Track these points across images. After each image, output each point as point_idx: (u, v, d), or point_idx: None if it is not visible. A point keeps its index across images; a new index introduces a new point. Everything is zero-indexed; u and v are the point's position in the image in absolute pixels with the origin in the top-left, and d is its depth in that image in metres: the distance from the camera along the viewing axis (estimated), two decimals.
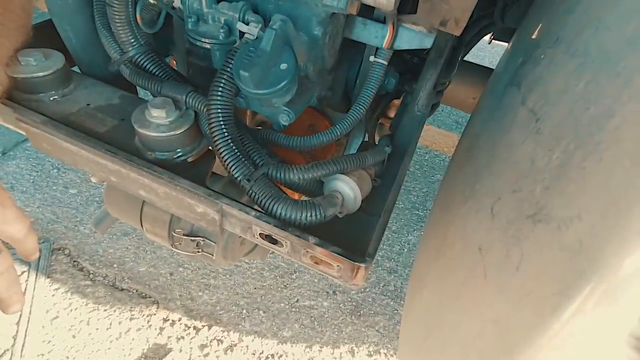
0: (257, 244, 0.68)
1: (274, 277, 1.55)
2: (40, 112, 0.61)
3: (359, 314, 1.49)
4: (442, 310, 0.57)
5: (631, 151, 0.29)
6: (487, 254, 0.46)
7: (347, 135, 0.95)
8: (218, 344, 1.34)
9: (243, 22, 0.57)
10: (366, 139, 0.90)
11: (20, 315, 1.30)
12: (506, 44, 0.91)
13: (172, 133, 0.57)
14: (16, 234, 0.57)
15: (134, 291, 1.43)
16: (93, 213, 1.63)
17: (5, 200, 0.55)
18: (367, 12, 0.61)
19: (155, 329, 1.35)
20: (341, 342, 1.40)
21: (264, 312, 1.45)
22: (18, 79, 0.63)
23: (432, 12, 0.53)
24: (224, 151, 0.55)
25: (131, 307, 1.39)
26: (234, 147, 0.55)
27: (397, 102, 0.94)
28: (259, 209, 0.54)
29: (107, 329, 1.32)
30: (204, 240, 0.73)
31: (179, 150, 0.59)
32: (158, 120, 0.57)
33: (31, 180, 1.72)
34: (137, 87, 0.72)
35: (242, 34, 0.57)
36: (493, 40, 1.32)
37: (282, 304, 1.48)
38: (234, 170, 0.55)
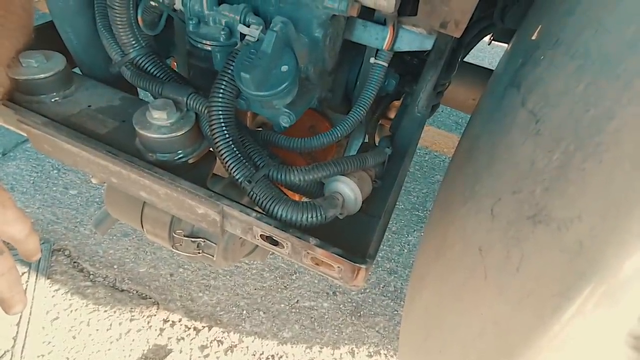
0: (257, 245, 0.69)
1: (274, 278, 1.55)
2: (42, 114, 0.61)
3: (359, 314, 1.49)
4: (442, 311, 0.58)
5: (631, 154, 0.30)
6: (487, 255, 0.46)
7: (348, 137, 0.95)
8: (218, 345, 1.34)
9: (244, 24, 0.57)
10: (366, 140, 0.90)
11: (21, 317, 1.30)
12: (505, 45, 0.91)
13: (173, 134, 0.57)
14: (17, 235, 0.57)
15: (134, 292, 1.43)
16: (93, 214, 1.63)
17: (5, 200, 0.55)
18: (368, 14, 0.62)
19: (156, 329, 1.35)
20: (341, 343, 1.40)
21: (264, 312, 1.45)
22: (19, 81, 0.63)
23: (432, 14, 0.53)
24: (225, 153, 0.55)
25: (131, 308, 1.39)
26: (235, 149, 0.55)
27: (397, 103, 0.94)
28: (260, 210, 0.54)
29: (107, 329, 1.32)
30: (204, 242, 0.74)
31: (179, 151, 0.59)
32: (159, 122, 0.57)
33: (31, 181, 1.72)
34: (138, 89, 0.72)
35: (243, 36, 0.57)
36: (493, 41, 1.33)
37: (282, 305, 1.48)
38: (235, 171, 0.55)
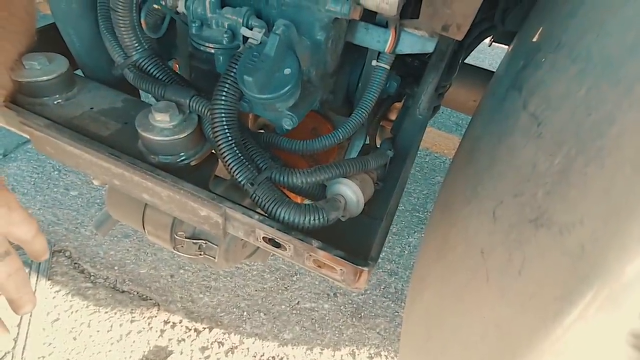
0: (258, 247, 0.69)
1: (274, 280, 1.55)
2: (44, 116, 0.61)
3: (359, 316, 1.49)
4: (444, 313, 0.58)
5: (632, 158, 0.30)
6: (489, 258, 0.46)
7: (349, 139, 0.95)
8: (219, 346, 1.34)
9: (247, 27, 0.58)
10: (368, 142, 0.91)
11: (21, 318, 1.30)
12: (506, 47, 0.92)
13: (175, 137, 0.58)
14: (24, 236, 0.58)
15: (135, 293, 1.43)
16: (94, 215, 1.64)
17: (11, 202, 0.55)
18: (370, 16, 0.62)
19: (156, 331, 1.35)
20: (342, 345, 1.40)
21: (264, 314, 1.45)
22: (22, 83, 0.63)
23: (434, 17, 0.53)
24: (227, 155, 0.55)
25: (132, 310, 1.39)
26: (237, 151, 0.55)
27: (398, 105, 0.94)
28: (262, 212, 0.54)
29: (108, 331, 1.32)
30: (206, 243, 0.74)
31: (182, 153, 0.59)
32: (161, 124, 0.58)
33: (32, 182, 1.72)
34: (140, 91, 0.72)
35: (245, 38, 0.58)
36: (493, 43, 1.33)
37: (283, 306, 1.48)
38: (237, 173, 0.55)
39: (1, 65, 0.59)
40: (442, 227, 0.66)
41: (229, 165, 0.55)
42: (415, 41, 0.63)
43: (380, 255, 0.55)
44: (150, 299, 1.43)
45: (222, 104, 0.55)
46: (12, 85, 0.63)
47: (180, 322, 1.38)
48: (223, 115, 0.55)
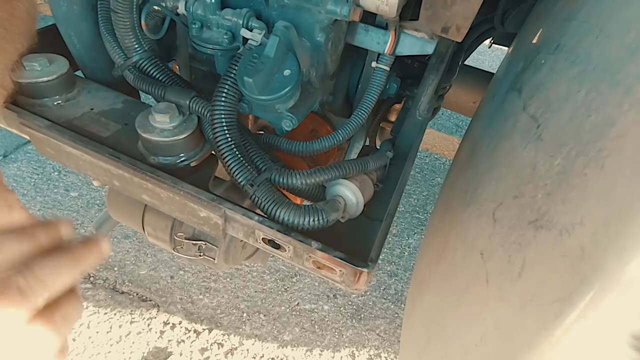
0: (258, 248, 0.69)
1: (274, 281, 1.55)
2: (44, 117, 0.62)
3: (359, 317, 1.49)
4: (444, 315, 0.58)
5: (632, 160, 0.30)
6: (489, 260, 0.46)
7: (349, 140, 0.95)
8: (218, 348, 1.34)
9: (247, 29, 0.58)
10: (367, 143, 0.91)
11: None
12: (506, 48, 0.92)
13: (175, 138, 0.58)
14: None
15: (135, 294, 1.43)
16: (94, 216, 1.63)
17: (13, 202, 0.55)
18: (370, 18, 0.62)
19: (156, 332, 1.34)
20: (342, 346, 1.40)
21: (264, 315, 1.44)
22: (22, 84, 0.63)
23: (433, 19, 0.54)
24: (227, 156, 0.55)
25: (131, 311, 1.39)
26: (237, 152, 0.55)
27: (398, 106, 0.94)
28: (262, 213, 0.54)
29: (107, 332, 1.32)
30: (205, 244, 0.74)
31: (182, 155, 0.60)
32: (161, 125, 0.58)
33: (32, 183, 1.72)
34: (140, 92, 0.72)
35: (245, 40, 0.58)
36: (493, 44, 1.33)
37: (282, 308, 1.48)
38: (237, 175, 0.55)
39: (2, 66, 0.59)
40: (442, 229, 0.66)
41: (228, 166, 0.55)
42: (415, 43, 0.63)
43: (380, 257, 0.54)
44: (150, 300, 1.42)
45: (222, 105, 0.55)
46: (13, 87, 0.63)
47: (180, 323, 1.38)
48: (223, 116, 0.55)
